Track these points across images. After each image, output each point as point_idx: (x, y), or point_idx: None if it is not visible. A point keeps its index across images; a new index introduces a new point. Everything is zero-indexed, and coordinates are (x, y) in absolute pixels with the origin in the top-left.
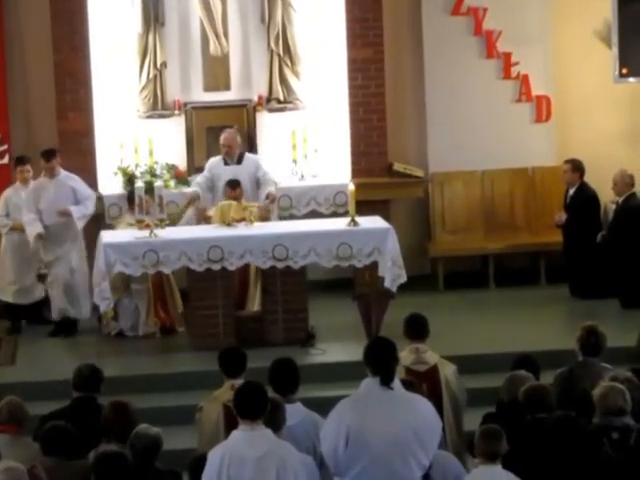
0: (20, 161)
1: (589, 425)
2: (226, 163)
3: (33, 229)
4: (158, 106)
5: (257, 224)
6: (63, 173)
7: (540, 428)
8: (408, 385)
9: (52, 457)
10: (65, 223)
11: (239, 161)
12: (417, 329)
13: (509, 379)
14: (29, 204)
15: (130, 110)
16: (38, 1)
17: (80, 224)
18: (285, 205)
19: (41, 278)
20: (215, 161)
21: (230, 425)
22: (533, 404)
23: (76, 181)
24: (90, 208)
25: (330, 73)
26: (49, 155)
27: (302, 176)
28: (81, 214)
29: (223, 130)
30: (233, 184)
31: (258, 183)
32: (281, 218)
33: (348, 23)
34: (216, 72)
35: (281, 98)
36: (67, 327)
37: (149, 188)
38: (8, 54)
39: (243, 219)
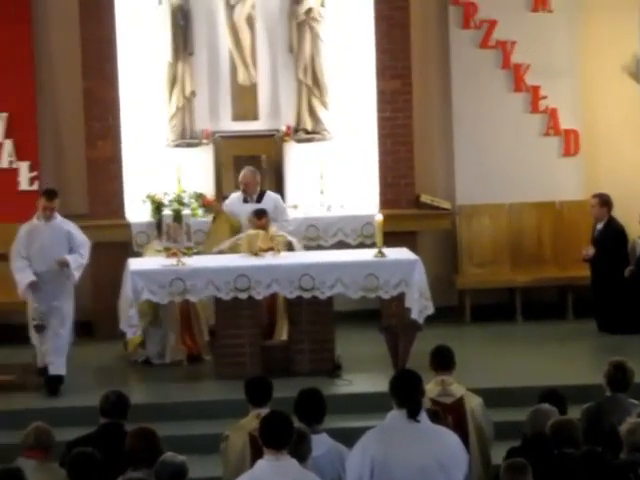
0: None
1: (616, 461)
2: (246, 200)
3: (24, 277)
4: (187, 135)
5: (284, 254)
6: (59, 217)
7: (567, 463)
8: (433, 415)
9: None
10: (59, 271)
11: (259, 199)
12: (443, 361)
13: (533, 413)
14: (20, 248)
15: (159, 138)
16: (69, 28)
17: (77, 275)
18: (312, 235)
19: (39, 329)
20: (235, 198)
21: (256, 454)
22: (560, 439)
23: (72, 226)
24: (85, 257)
25: (358, 104)
26: (53, 194)
27: (329, 207)
28: (78, 264)
29: (243, 170)
30: (259, 213)
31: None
32: (308, 248)
33: (377, 54)
34: (244, 102)
35: (309, 128)
36: (54, 383)
37: (177, 216)
38: (38, 80)
39: (270, 248)
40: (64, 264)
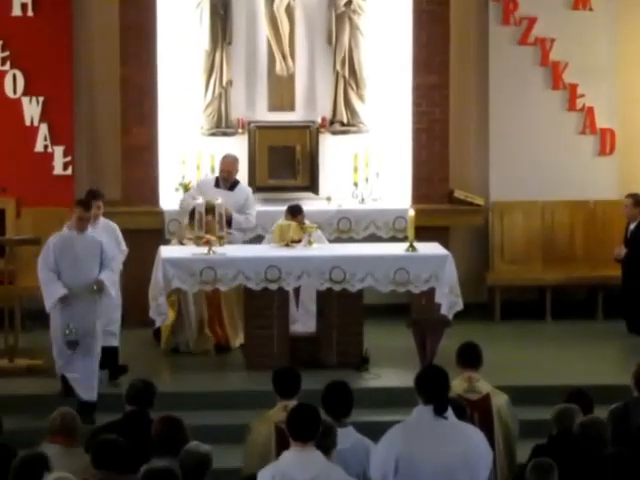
0: (92, 197)
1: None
2: (217, 186)
3: (55, 290)
4: (222, 124)
5: (316, 245)
6: (101, 220)
7: (593, 464)
8: (458, 408)
9: (103, 470)
10: (91, 287)
11: (232, 187)
12: (470, 358)
13: (559, 411)
14: (48, 260)
15: (194, 127)
16: (108, 14)
17: (113, 292)
18: (344, 228)
19: (73, 345)
20: (206, 182)
21: (281, 445)
22: (589, 438)
23: (109, 234)
24: (116, 271)
25: (395, 98)
26: (88, 204)
27: (362, 199)
28: (112, 281)
29: (224, 156)
30: (295, 211)
31: (241, 212)
32: (340, 240)
33: (415, 49)
34: (281, 92)
35: (345, 121)
36: (89, 409)
37: (209, 205)
38: (75, 66)
39: (301, 240)
40: (100, 288)
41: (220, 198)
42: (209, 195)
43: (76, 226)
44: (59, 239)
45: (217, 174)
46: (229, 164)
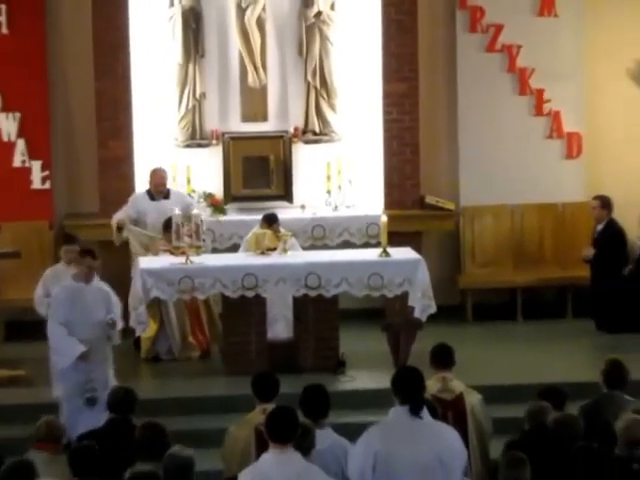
0: (68, 241)
1: (611, 456)
2: (152, 198)
3: (73, 348)
4: (196, 135)
5: (291, 253)
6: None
7: (564, 458)
8: (430, 408)
9: (84, 479)
10: (101, 336)
11: (166, 197)
12: (444, 359)
13: (532, 408)
14: (57, 313)
15: (169, 139)
16: (81, 30)
17: (119, 338)
18: (319, 235)
19: (92, 402)
20: (139, 197)
21: (260, 448)
22: (562, 433)
23: (107, 286)
24: (119, 316)
25: (365, 106)
26: (95, 253)
27: (336, 207)
28: (120, 326)
29: (155, 170)
30: (271, 220)
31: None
32: (314, 248)
33: (384, 58)
34: (254, 103)
35: (317, 130)
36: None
37: (186, 216)
38: (51, 81)
39: (277, 248)
40: (113, 325)
41: (196, 209)
42: (145, 208)
43: (84, 277)
44: (67, 292)
45: (147, 188)
46: (162, 177)
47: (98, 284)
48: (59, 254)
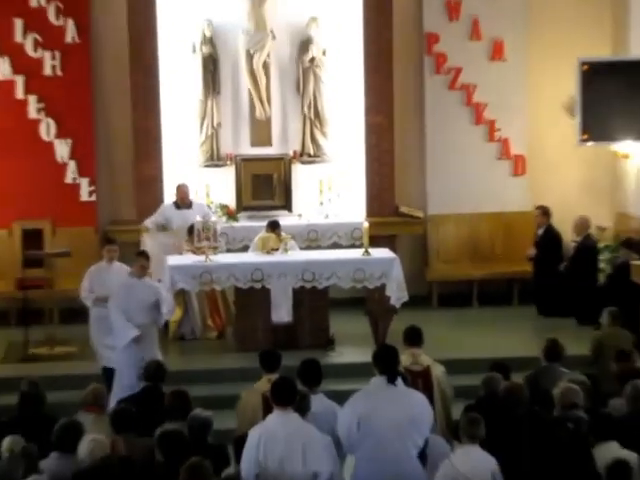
0: (109, 241)
1: (550, 417)
2: (178, 207)
3: (128, 332)
4: (214, 157)
5: (291, 252)
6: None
7: (512, 419)
8: (402, 377)
9: (123, 434)
10: (151, 325)
11: (189, 206)
12: (414, 338)
13: (485, 379)
14: (119, 303)
15: (192, 160)
16: (120, 73)
17: (162, 321)
18: (313, 238)
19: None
20: (167, 206)
21: (267, 410)
22: (511, 398)
23: (156, 282)
24: (170, 305)
25: (351, 134)
26: (147, 254)
27: (327, 215)
28: (170, 314)
29: (180, 185)
30: (273, 225)
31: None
32: (309, 248)
33: (366, 95)
34: (260, 131)
35: (311, 153)
36: None
37: (205, 222)
38: (96, 114)
39: (279, 248)
40: (169, 313)
41: (214, 217)
42: (172, 215)
43: (138, 273)
44: (125, 286)
45: (174, 199)
46: (183, 192)
47: (148, 281)
48: (102, 253)
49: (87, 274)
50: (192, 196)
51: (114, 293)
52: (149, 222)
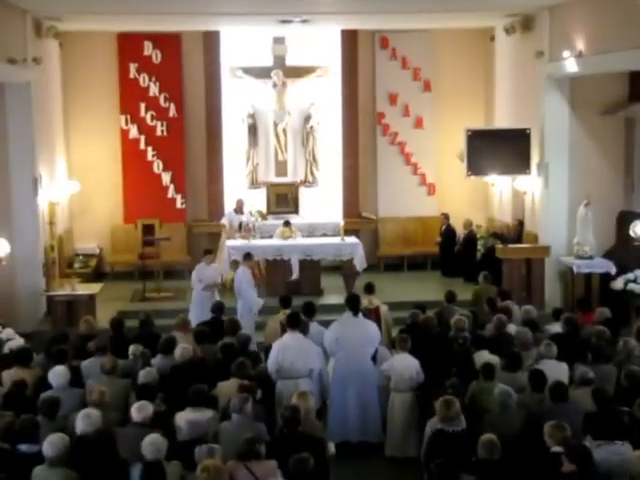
0: (207, 252)
1: (447, 335)
2: (236, 213)
3: (260, 302)
4: (254, 183)
5: (298, 239)
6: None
7: (426, 337)
8: (363, 313)
9: (200, 344)
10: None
11: (242, 212)
12: (369, 289)
13: (411, 314)
14: (250, 282)
15: (241, 184)
16: (200, 128)
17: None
18: (310, 230)
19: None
20: (231, 212)
21: (283, 331)
22: (426, 325)
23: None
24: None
25: (333, 169)
26: (252, 256)
27: (319, 217)
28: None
29: (238, 199)
30: (286, 223)
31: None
32: (308, 236)
33: (344, 146)
34: (281, 168)
35: (310, 181)
36: None
37: (249, 221)
38: (187, 155)
39: (290, 236)
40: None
41: (253, 217)
42: (233, 219)
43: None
44: (245, 273)
45: (234, 207)
46: (241, 203)
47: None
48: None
49: (195, 270)
50: (245, 207)
51: (212, 277)
52: (224, 221)
